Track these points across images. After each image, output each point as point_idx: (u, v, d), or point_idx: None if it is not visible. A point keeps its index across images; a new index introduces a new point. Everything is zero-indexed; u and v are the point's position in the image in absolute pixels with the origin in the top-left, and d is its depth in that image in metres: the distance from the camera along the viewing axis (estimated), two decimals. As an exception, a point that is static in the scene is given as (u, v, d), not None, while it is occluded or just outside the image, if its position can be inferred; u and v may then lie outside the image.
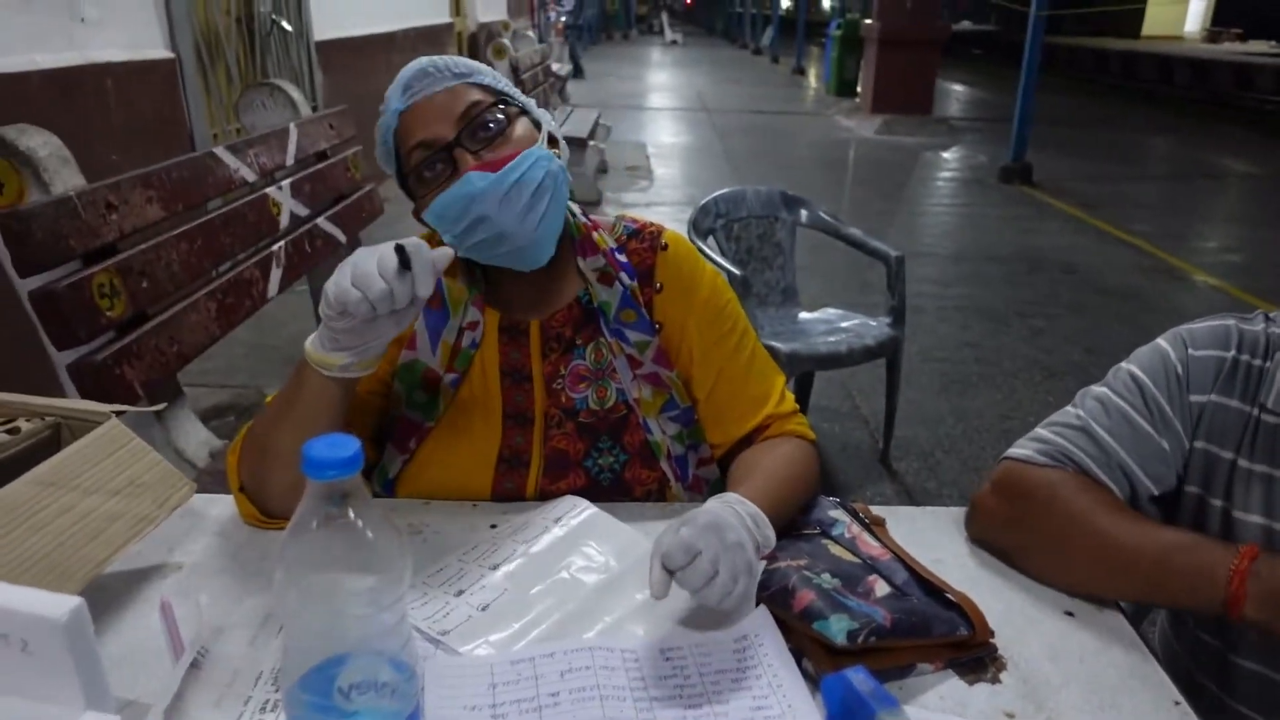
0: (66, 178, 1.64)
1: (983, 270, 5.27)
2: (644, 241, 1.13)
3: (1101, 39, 22.70)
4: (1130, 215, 6.62)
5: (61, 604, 0.56)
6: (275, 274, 2.25)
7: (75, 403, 1.01)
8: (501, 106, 1.02)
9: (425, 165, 1.00)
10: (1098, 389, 1.03)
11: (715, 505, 0.89)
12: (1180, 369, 0.98)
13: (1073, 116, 12.69)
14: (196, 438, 1.86)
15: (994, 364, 3.82)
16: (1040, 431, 1.03)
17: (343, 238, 2.71)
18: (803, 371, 3.02)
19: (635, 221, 1.15)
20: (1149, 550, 0.86)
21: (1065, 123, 11.71)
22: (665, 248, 1.12)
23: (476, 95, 1.01)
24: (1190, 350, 0.99)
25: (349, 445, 0.58)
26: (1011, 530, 1.00)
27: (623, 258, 1.11)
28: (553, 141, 1.06)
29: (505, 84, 1.06)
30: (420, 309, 0.91)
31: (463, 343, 1.08)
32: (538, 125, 1.05)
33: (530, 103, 1.07)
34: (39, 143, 1.61)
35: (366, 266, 0.84)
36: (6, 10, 2.89)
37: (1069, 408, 1.04)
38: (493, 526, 1.04)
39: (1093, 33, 24.12)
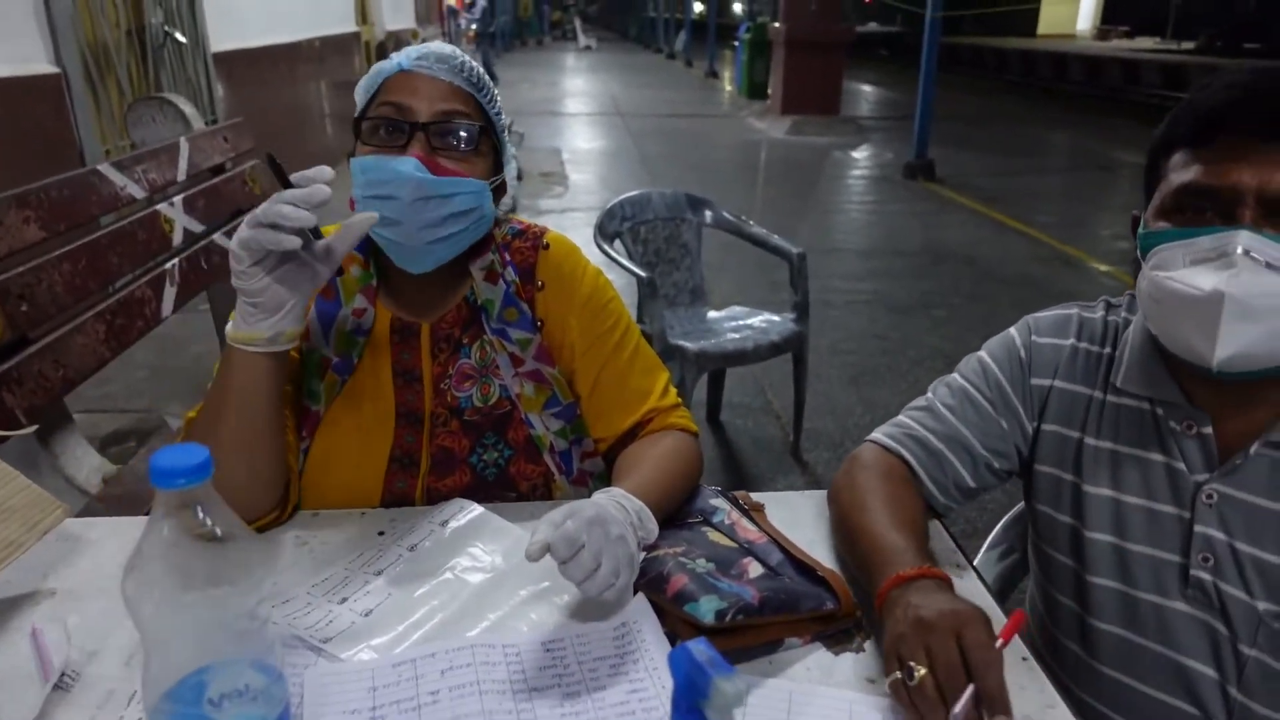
0: (-67, 200, 1.58)
1: (890, 265, 5.44)
2: (527, 241, 1.16)
3: (1000, 38, 23.59)
4: (1028, 207, 6.92)
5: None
6: (169, 293, 2.20)
7: (-63, 430, 0.98)
8: (480, 133, 1.04)
9: (386, 124, 1.02)
10: (950, 375, 1.12)
11: (601, 499, 0.92)
12: (1024, 354, 1.06)
13: (974, 113, 13.16)
14: (89, 464, 1.81)
15: (900, 354, 3.95)
16: (899, 416, 1.11)
17: (242, 253, 2.66)
18: (713, 369, 3.08)
19: (520, 223, 1.18)
20: (873, 538, 0.93)
21: (967, 120, 12.14)
22: (547, 247, 1.16)
23: (468, 108, 1.04)
24: (1034, 337, 1.07)
25: (197, 453, 0.59)
26: (834, 500, 1.07)
27: (507, 256, 1.14)
28: (500, 191, 1.11)
29: (499, 116, 1.09)
30: (335, 267, 0.94)
31: (346, 327, 1.09)
32: (499, 167, 1.09)
33: (508, 146, 1.11)
34: (-99, 165, 1.54)
35: (266, 206, 0.88)
36: None
37: (927, 392, 1.11)
38: (380, 534, 1.04)
39: (991, 32, 25.04)
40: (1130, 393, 1.00)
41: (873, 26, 28.87)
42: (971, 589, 0.96)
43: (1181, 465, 0.96)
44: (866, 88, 16.99)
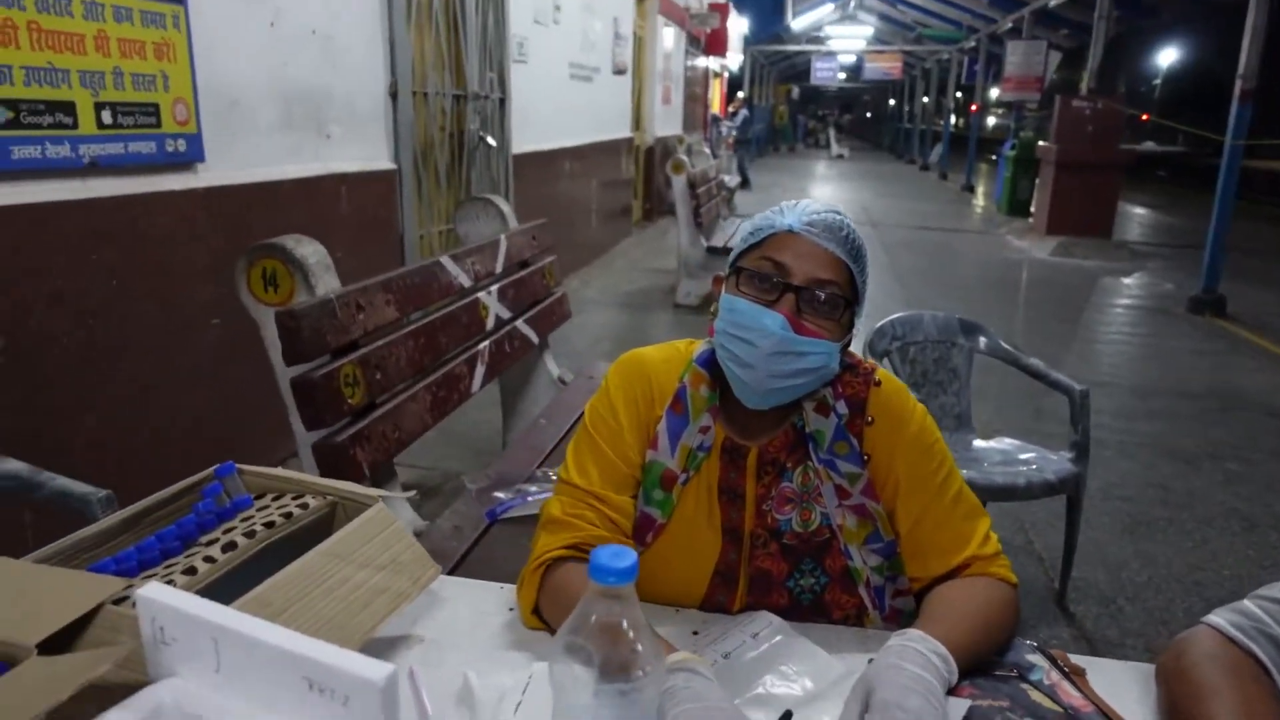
0: (327, 281, 1.90)
1: (1170, 406, 4.98)
2: (858, 376, 1.20)
3: (1305, 164, 21.24)
4: (1342, 356, 6.11)
5: (379, 669, 0.67)
6: (479, 371, 2.47)
7: (347, 485, 1.17)
8: (844, 302, 1.10)
9: (761, 276, 1.10)
10: None
11: (899, 644, 0.94)
12: None
13: (1271, 246, 11.89)
14: (405, 517, 2.04)
15: (1184, 508, 3.58)
16: (1244, 602, 1.01)
17: (535, 339, 2.94)
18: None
19: (850, 357, 1.22)
20: None
21: (1262, 252, 10.99)
22: (879, 384, 1.19)
23: (841, 280, 1.09)
24: None
25: (627, 557, 0.68)
26: (1163, 683, 0.99)
27: (838, 388, 1.18)
28: (846, 345, 1.16)
29: (865, 285, 1.14)
30: None
31: (692, 443, 1.17)
32: (851, 324, 1.15)
33: (862, 310, 1.16)
34: (309, 251, 1.87)
35: None
36: (275, 130, 3.37)
37: None
38: (694, 633, 1.11)
39: (1295, 157, 22.62)
40: None
41: (1149, 146, 27.10)
42: (1341, 809, 0.87)
43: None
44: (1140, 210, 15.87)
